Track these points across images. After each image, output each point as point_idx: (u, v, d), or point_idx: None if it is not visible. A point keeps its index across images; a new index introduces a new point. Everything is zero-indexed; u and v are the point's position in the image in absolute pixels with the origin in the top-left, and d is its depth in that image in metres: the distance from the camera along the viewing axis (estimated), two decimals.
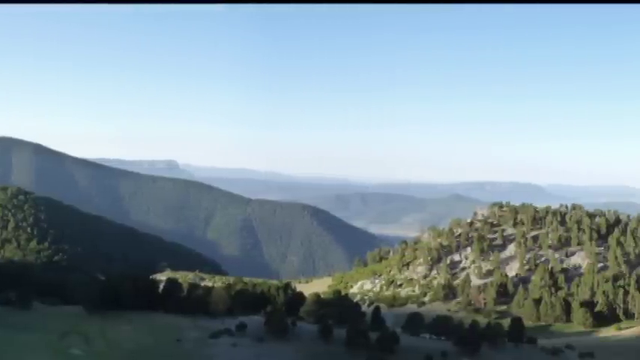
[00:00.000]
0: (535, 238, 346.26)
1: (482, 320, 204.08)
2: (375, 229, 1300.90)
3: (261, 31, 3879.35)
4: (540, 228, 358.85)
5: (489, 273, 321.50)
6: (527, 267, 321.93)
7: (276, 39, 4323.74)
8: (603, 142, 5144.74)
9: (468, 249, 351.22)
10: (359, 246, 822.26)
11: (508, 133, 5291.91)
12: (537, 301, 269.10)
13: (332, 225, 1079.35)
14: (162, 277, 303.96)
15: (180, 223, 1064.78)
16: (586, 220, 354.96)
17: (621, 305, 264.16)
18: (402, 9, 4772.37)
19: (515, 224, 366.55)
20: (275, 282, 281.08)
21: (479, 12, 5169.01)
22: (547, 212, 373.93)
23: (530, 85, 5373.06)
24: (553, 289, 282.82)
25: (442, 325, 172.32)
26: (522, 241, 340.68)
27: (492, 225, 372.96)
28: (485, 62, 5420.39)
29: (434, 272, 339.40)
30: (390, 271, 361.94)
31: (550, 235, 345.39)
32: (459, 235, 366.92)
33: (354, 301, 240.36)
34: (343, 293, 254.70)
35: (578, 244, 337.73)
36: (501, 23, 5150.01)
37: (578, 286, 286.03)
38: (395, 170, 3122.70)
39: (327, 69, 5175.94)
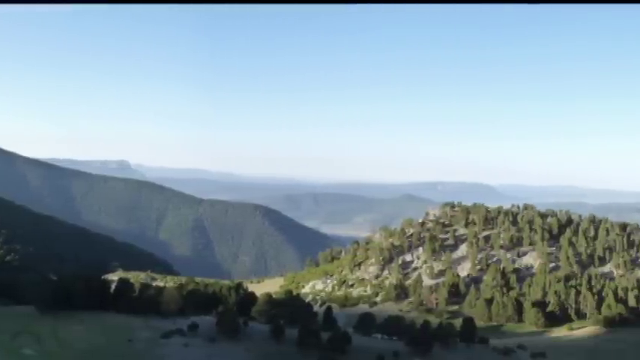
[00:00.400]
0: (487, 238, 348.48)
1: (434, 320, 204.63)
2: (326, 229, 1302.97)
3: (211, 30, 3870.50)
4: (492, 228, 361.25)
5: (441, 273, 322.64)
6: (479, 267, 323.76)
7: (226, 39, 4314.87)
8: (555, 143, 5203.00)
9: (420, 249, 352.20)
10: (311, 246, 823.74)
11: (460, 133, 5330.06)
12: (489, 301, 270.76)
13: (283, 225, 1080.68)
14: (114, 277, 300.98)
15: (132, 224, 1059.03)
16: (538, 220, 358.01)
17: (573, 305, 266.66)
18: (346, 9, 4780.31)
19: (467, 224, 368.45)
20: (227, 282, 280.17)
21: (426, 10, 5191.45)
22: (499, 212, 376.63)
23: (481, 85, 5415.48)
24: (505, 289, 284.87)
25: (394, 325, 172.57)
26: (474, 241, 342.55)
27: (444, 225, 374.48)
28: (436, 62, 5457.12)
29: (385, 272, 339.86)
30: (341, 271, 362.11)
31: (502, 235, 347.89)
32: (411, 235, 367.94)
33: (306, 301, 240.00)
34: (295, 293, 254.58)
35: (530, 244, 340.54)
36: (452, 22, 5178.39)
37: (529, 286, 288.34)
38: (346, 170, 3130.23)
39: (279, 69, 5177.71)
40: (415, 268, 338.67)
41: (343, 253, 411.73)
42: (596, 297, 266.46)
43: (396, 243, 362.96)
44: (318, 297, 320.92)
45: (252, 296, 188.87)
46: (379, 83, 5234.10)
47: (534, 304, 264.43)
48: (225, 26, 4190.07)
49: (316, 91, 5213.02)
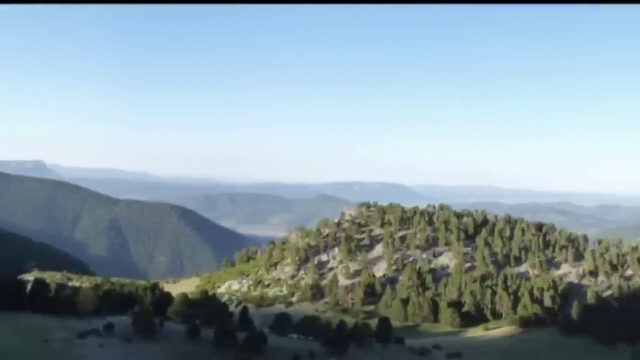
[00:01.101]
0: (403, 238, 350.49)
1: (349, 320, 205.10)
2: (243, 229, 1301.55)
3: (128, 30, 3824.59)
4: (408, 228, 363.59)
5: (357, 273, 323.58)
6: (394, 267, 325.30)
7: (143, 38, 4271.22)
8: (473, 143, 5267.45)
9: (336, 249, 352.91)
10: (227, 246, 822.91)
11: (375, 134, 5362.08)
12: (405, 301, 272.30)
13: (200, 225, 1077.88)
14: (29, 277, 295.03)
15: (48, 224, 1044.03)
16: (453, 220, 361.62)
17: (489, 305, 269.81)
18: (262, 9, 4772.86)
19: (382, 224, 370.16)
20: (143, 282, 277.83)
21: (338, 9, 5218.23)
22: (415, 212, 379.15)
23: (399, 85, 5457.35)
24: (421, 289, 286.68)
25: (310, 326, 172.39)
26: (390, 241, 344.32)
27: (360, 225, 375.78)
28: (352, 62, 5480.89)
29: (301, 272, 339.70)
30: (257, 271, 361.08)
31: (418, 235, 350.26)
32: (327, 235, 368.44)
33: (222, 301, 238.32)
34: (211, 293, 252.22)
35: (446, 244, 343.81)
36: (366, 21, 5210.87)
37: (445, 286, 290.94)
38: (264, 171, 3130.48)
39: (198, 69, 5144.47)
40: (331, 269, 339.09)
41: (259, 253, 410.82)
42: (511, 297, 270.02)
43: (312, 243, 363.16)
44: (234, 297, 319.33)
45: (168, 296, 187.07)
46: (299, 83, 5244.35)
47: (450, 304, 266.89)
48: (142, 26, 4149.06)
49: (235, 92, 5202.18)
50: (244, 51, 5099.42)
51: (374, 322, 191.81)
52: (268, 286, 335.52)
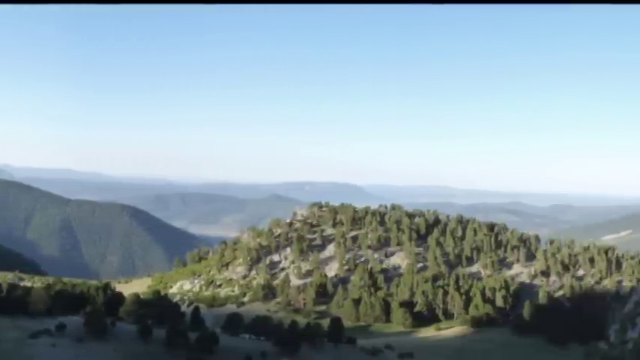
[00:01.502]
0: (354, 239, 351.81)
1: (301, 320, 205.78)
2: (195, 230, 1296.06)
3: (82, 30, 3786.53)
4: (360, 228, 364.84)
5: (309, 273, 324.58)
6: (346, 267, 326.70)
7: (98, 38, 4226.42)
8: (423, 143, 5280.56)
9: (288, 249, 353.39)
10: (179, 246, 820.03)
11: (327, 134, 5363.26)
12: (357, 302, 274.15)
13: (152, 225, 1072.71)
14: None
15: (0, 224, 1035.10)
16: (405, 221, 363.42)
17: (440, 305, 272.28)
18: (215, 9, 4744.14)
19: (334, 224, 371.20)
20: (94, 282, 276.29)
21: (294, 9, 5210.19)
22: (366, 212, 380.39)
23: (349, 85, 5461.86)
24: (372, 290, 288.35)
25: (261, 326, 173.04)
26: (342, 241, 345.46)
27: (312, 225, 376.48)
28: (303, 62, 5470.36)
29: (253, 272, 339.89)
30: (209, 271, 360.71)
31: (369, 236, 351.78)
32: (279, 235, 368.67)
33: (174, 301, 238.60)
34: (163, 293, 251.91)
35: (398, 244, 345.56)
36: (320, 22, 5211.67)
37: (397, 286, 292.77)
38: (216, 171, 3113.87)
39: (151, 68, 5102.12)
40: (283, 269, 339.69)
41: (211, 253, 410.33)
42: (463, 297, 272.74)
43: (264, 243, 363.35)
44: (185, 297, 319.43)
45: (119, 296, 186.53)
46: (250, 84, 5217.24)
47: (402, 305, 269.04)
48: (96, 26, 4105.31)
49: (188, 92, 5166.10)
50: (196, 51, 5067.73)
51: (326, 322, 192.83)
52: (220, 286, 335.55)
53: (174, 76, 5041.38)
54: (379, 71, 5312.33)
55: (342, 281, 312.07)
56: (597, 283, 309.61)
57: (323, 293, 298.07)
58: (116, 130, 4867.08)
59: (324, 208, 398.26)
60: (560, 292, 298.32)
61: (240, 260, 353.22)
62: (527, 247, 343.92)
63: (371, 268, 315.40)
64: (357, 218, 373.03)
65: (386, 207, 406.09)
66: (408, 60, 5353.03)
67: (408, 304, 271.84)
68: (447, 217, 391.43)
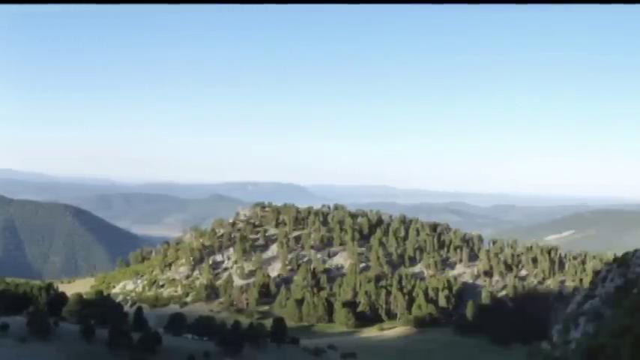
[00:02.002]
0: (297, 239, 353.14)
1: (244, 320, 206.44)
2: (138, 230, 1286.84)
3: (25, 29, 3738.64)
4: (303, 228, 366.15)
5: (252, 273, 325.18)
6: (289, 267, 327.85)
7: (36, 37, 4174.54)
8: (365, 143, 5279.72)
9: (231, 249, 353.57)
10: (122, 246, 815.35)
11: (270, 134, 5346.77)
12: (300, 302, 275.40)
13: (94, 225, 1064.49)
14: None
15: None
16: (348, 221, 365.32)
17: (383, 305, 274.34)
18: (159, 9, 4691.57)
19: (277, 224, 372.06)
20: (37, 282, 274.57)
21: (233, 9, 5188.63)
22: (309, 213, 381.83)
23: (292, 85, 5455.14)
24: (315, 290, 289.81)
25: (204, 326, 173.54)
26: (285, 241, 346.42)
27: (254, 225, 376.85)
28: (246, 62, 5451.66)
29: (196, 272, 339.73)
30: (152, 271, 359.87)
31: (312, 236, 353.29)
32: (221, 235, 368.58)
33: (117, 301, 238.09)
34: (105, 294, 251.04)
35: (341, 244, 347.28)
36: (260, 22, 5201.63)
37: (340, 286, 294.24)
38: (158, 171, 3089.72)
39: (94, 67, 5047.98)
40: (226, 269, 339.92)
41: (154, 253, 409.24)
42: (406, 297, 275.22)
43: (207, 243, 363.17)
44: (128, 297, 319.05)
45: (62, 296, 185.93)
46: (192, 84, 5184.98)
47: (345, 305, 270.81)
48: (39, 25, 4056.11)
49: (130, 91, 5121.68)
50: (140, 51, 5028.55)
51: (269, 323, 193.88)
52: (163, 286, 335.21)
53: (116, 75, 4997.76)
54: (325, 71, 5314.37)
55: (285, 281, 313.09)
56: (540, 283, 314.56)
57: (266, 293, 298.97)
58: (58, 129, 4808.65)
59: (267, 209, 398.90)
60: (503, 292, 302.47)
61: (183, 260, 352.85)
62: (470, 247, 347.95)
63: (314, 269, 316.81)
64: (300, 218, 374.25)
65: (329, 207, 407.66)
66: (348, 60, 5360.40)
67: (351, 304, 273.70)
68: (390, 217, 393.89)
